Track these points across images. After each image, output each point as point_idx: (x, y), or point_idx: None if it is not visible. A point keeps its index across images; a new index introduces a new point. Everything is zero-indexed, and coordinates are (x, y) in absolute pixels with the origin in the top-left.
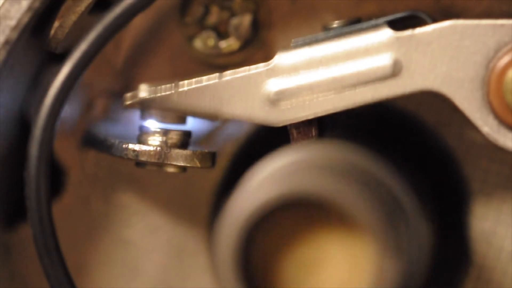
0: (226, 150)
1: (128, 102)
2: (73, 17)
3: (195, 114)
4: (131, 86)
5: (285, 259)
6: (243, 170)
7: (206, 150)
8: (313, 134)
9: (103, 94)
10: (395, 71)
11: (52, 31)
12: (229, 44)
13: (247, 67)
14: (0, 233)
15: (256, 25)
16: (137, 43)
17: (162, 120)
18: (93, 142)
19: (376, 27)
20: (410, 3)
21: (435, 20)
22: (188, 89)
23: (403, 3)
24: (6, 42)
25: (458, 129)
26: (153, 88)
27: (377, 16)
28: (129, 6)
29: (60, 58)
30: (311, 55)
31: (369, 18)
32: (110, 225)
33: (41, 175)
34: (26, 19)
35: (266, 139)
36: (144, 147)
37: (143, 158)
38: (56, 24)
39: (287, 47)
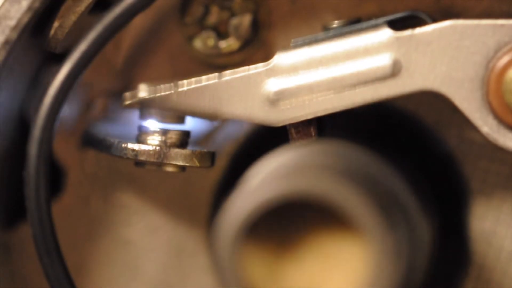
0: (226, 150)
1: (127, 102)
2: (73, 17)
3: (194, 114)
4: (131, 86)
5: (284, 259)
6: (242, 170)
7: (205, 150)
8: (313, 134)
9: (103, 94)
10: (395, 71)
11: (52, 31)
12: (229, 44)
13: (246, 67)
14: (0, 233)
15: (256, 25)
16: (137, 43)
17: (162, 120)
18: (93, 142)
19: (376, 27)
20: (410, 3)
21: (435, 20)
22: (188, 89)
23: (403, 3)
24: (6, 42)
25: (458, 129)
26: (152, 88)
27: (377, 16)
28: (129, 6)
29: (59, 58)
30: (311, 55)
31: (369, 18)
32: (110, 225)
33: (40, 175)
34: (26, 19)
35: (265, 139)
36: (143, 147)
37: (142, 158)
38: (56, 24)
39: (286, 47)
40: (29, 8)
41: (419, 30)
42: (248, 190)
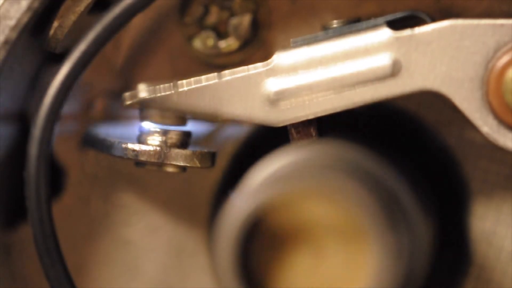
0: (226, 150)
1: (127, 102)
2: (72, 17)
3: (194, 114)
4: (131, 86)
5: (285, 259)
6: (243, 170)
7: (206, 150)
8: (313, 134)
9: (103, 94)
10: (395, 71)
11: (52, 31)
12: (229, 44)
13: (246, 67)
14: (0, 233)
15: (255, 25)
16: (137, 43)
17: (162, 122)
18: (93, 142)
19: (375, 27)
20: (410, 3)
21: (434, 20)
22: (188, 89)
23: (403, 3)
24: (6, 42)
25: (458, 129)
26: (152, 88)
27: (377, 16)
28: (129, 6)
29: (59, 58)
30: (311, 55)
31: (369, 18)
32: (110, 225)
33: (40, 175)
34: (25, 19)
35: (265, 139)
36: (143, 147)
37: (142, 158)
38: (55, 24)
39: (286, 47)
40: (29, 8)
41: (419, 30)
42: (248, 191)
